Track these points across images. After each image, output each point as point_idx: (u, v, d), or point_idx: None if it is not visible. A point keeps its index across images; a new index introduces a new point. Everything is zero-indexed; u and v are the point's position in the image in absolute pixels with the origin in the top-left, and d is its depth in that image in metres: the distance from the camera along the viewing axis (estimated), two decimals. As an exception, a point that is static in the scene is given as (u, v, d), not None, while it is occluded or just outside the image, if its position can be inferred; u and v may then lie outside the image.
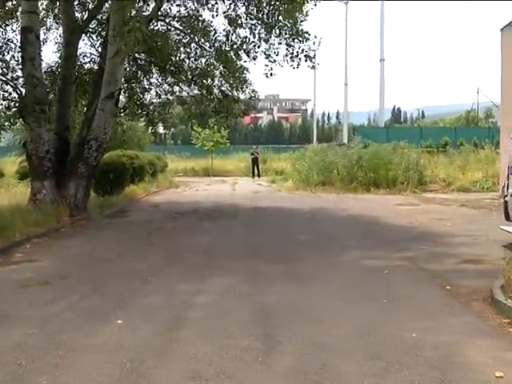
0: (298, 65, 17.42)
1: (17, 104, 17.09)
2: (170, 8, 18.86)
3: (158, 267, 10.31)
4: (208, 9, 17.97)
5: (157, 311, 7.54)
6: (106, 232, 15.21)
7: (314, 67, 17.29)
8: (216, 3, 17.65)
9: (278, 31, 17.01)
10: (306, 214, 18.87)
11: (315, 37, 16.86)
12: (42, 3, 19.00)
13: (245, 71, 19.62)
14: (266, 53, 17.69)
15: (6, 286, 9.02)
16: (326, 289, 8.67)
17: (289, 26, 16.75)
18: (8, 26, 18.84)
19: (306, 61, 17.04)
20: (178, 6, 18.27)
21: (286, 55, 17.13)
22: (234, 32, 17.99)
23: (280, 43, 17.13)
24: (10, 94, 17.46)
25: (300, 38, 16.82)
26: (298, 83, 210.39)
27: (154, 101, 22.95)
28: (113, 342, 6.28)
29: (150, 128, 26.55)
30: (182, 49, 20.13)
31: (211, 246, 12.61)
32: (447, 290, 8.43)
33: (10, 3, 19.13)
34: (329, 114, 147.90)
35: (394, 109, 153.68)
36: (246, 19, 17.53)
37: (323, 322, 6.92)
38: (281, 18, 16.58)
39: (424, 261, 10.53)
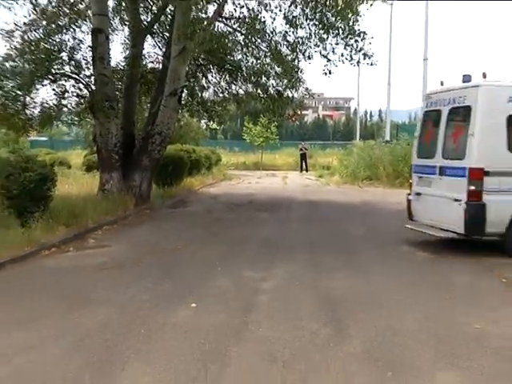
0: (358, 62, 17.31)
1: (88, 100, 17.32)
2: (232, 9, 18.84)
3: (223, 255, 10.38)
4: (269, 10, 17.93)
5: (227, 296, 7.60)
6: (170, 221, 15.35)
7: (372, 64, 17.10)
8: (276, 7, 17.61)
9: (334, 31, 16.88)
10: (355, 207, 18.72)
11: (371, 37, 16.68)
12: (111, 6, 19.17)
13: (299, 71, 19.55)
14: (322, 52, 17.59)
15: (84, 270, 9.22)
16: (385, 279, 8.61)
17: (344, 26, 16.60)
18: (79, 27, 19.07)
19: (365, 58, 16.88)
20: (241, 7, 18.20)
21: (342, 55, 16.99)
22: (292, 33, 17.93)
23: (337, 43, 17.01)
24: (82, 90, 17.72)
25: (357, 38, 16.67)
26: (342, 82, 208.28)
27: (212, 98, 23.04)
28: (189, 323, 6.38)
29: (206, 123, 26.69)
30: (239, 49, 20.14)
31: (271, 237, 12.63)
32: None
33: (80, 6, 19.42)
34: (371, 112, 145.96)
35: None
36: (305, 20, 17.42)
37: (386, 310, 6.88)
38: (336, 18, 16.42)
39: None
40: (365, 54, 16.91)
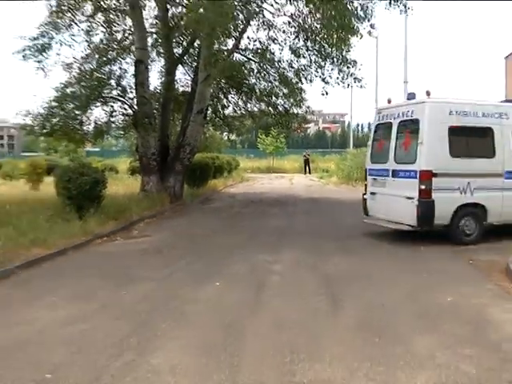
0: (349, 85, 17.23)
1: (131, 118, 17.38)
2: (247, 43, 18.89)
3: (242, 242, 10.34)
4: (277, 43, 17.94)
5: (245, 275, 7.57)
6: (199, 215, 15.35)
7: (361, 87, 17.05)
8: (283, 40, 17.63)
9: (330, 60, 16.82)
10: (348, 202, 18.59)
11: (361, 64, 16.60)
12: (149, 42, 19.21)
13: (302, 92, 19.49)
14: (321, 77, 17.47)
15: (129, 255, 9.23)
16: (375, 261, 8.56)
17: (338, 55, 16.53)
18: (124, 59, 19.16)
19: (355, 82, 16.78)
20: (254, 41, 18.24)
21: (337, 78, 16.91)
22: (296, 61, 17.89)
23: (333, 69, 16.93)
24: (126, 110, 17.78)
25: (349, 65, 16.57)
26: (338, 100, 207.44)
27: (232, 114, 23.01)
28: (214, 299, 6.35)
29: (227, 135, 26.68)
30: (254, 74, 20.11)
31: (280, 227, 12.58)
32: None
33: (125, 42, 19.50)
34: (362, 125, 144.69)
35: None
36: (307, 51, 17.39)
37: (376, 287, 6.82)
38: (331, 49, 16.37)
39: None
40: (355, 78, 16.79)
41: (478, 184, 9.72)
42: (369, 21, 15.69)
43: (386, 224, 10.51)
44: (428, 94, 9.84)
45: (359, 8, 15.36)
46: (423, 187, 9.44)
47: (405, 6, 15.18)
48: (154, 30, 19.64)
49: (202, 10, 13.71)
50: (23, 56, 17.34)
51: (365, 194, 11.36)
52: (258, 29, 17.66)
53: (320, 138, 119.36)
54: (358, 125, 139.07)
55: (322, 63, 17.14)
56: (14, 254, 8.26)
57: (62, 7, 17.71)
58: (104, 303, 6.15)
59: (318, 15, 15.44)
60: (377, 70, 38.34)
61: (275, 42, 17.89)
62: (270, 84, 20.23)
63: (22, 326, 5.35)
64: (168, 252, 9.39)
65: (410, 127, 10.05)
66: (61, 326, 5.32)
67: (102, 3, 18.49)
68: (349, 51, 16.51)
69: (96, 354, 4.55)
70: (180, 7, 18.17)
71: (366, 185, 11.43)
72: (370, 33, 17.62)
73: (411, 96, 10.44)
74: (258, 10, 16.07)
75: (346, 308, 5.88)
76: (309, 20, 16.44)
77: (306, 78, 17.92)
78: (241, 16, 15.43)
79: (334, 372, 4.11)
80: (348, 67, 16.56)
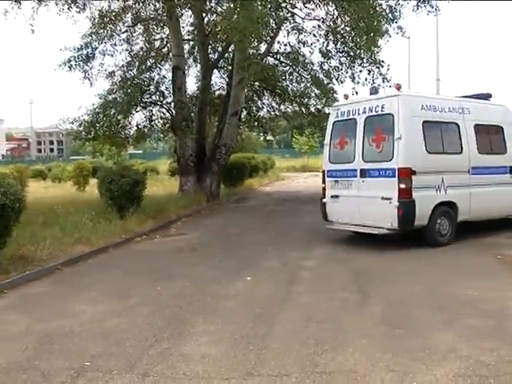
0: (379, 85, 17.04)
1: (170, 121, 17.68)
2: (278, 47, 18.99)
3: (274, 239, 10.40)
4: (307, 46, 18.01)
5: (276, 271, 7.63)
6: (234, 213, 15.48)
7: (390, 87, 16.83)
8: (313, 43, 17.65)
9: (360, 61, 16.73)
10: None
11: (388, 65, 16.45)
12: (186, 49, 19.51)
13: (334, 92, 19.41)
14: (351, 77, 17.42)
15: (166, 252, 9.42)
16: (399, 256, 8.47)
17: (367, 57, 16.42)
18: (163, 66, 19.54)
19: (384, 82, 16.64)
20: (285, 45, 18.37)
21: (366, 79, 16.80)
22: (327, 62, 17.84)
23: (361, 70, 16.83)
24: (165, 114, 18.10)
25: (378, 66, 16.44)
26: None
27: (266, 116, 23.10)
28: (245, 294, 6.43)
29: (263, 136, 26.77)
30: (286, 77, 20.16)
31: (313, 223, 12.54)
32: None
33: (163, 50, 19.87)
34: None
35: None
36: (336, 53, 17.36)
37: (401, 282, 6.77)
38: (360, 51, 16.27)
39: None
40: (384, 78, 16.64)
41: (450, 181, 9.10)
42: (397, 22, 15.54)
43: (355, 228, 9.57)
44: (398, 87, 9.14)
45: (387, 10, 15.23)
46: (403, 186, 8.55)
47: (432, 7, 14.97)
48: (190, 37, 19.95)
49: (235, 16, 13.85)
50: (69, 67, 17.90)
51: (323, 197, 10.17)
52: (288, 33, 17.76)
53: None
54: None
55: (352, 64, 17.07)
56: (59, 252, 8.56)
57: (105, 19, 18.18)
58: (141, 298, 6.31)
59: (347, 18, 15.35)
60: (409, 69, 37.83)
61: (305, 45, 17.98)
62: (302, 86, 20.28)
63: (64, 319, 5.56)
64: (203, 249, 9.53)
65: (382, 123, 9.09)
66: (100, 320, 5.50)
67: (141, 14, 18.90)
68: (378, 52, 16.38)
69: (131, 345, 4.70)
70: (215, 15, 18.35)
71: (323, 188, 10.23)
72: (402, 33, 17.42)
73: (374, 90, 9.88)
74: (288, 15, 16.11)
75: (372, 302, 5.86)
76: (338, 22, 16.37)
77: (336, 79, 17.89)
78: (272, 22, 15.48)
79: (356, 363, 4.13)
80: (378, 67, 16.44)
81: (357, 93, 17.37)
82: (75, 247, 9.13)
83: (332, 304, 5.83)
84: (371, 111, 9.24)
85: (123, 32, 19.03)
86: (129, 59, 19.65)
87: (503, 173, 10.05)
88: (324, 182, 10.20)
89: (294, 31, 17.58)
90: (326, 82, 18.80)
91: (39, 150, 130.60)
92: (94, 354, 4.52)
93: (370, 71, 16.59)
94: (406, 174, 8.54)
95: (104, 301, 6.23)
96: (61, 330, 5.16)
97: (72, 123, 17.07)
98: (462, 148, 9.45)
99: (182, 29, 18.29)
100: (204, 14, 18.38)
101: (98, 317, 5.60)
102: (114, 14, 18.22)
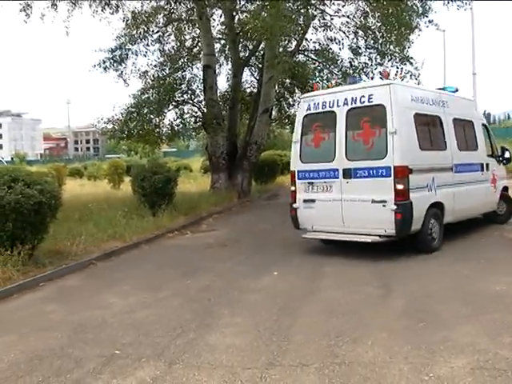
0: (408, 82, 16.86)
1: (201, 120, 17.93)
2: (307, 44, 19.01)
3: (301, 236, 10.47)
4: (335, 43, 18.01)
5: (303, 267, 7.74)
6: (265, 210, 15.59)
7: (419, 83, 16.61)
8: (342, 39, 17.64)
9: (389, 57, 16.63)
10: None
11: (422, 62, 16.30)
12: (217, 47, 19.73)
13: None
14: (381, 74, 17.28)
15: (196, 248, 9.65)
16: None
17: (397, 52, 16.30)
18: (194, 65, 19.79)
19: (411, 78, 16.45)
20: (314, 42, 18.42)
21: (396, 74, 16.63)
22: (356, 59, 17.78)
23: (392, 66, 16.70)
24: (196, 112, 18.36)
25: (408, 61, 16.31)
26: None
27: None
28: (272, 288, 6.58)
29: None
30: (316, 73, 20.11)
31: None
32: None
33: (194, 49, 20.15)
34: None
35: (484, 113, 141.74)
36: (365, 49, 17.30)
37: (427, 276, 6.77)
38: (391, 46, 16.17)
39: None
40: (412, 75, 16.49)
41: (438, 180, 8.26)
42: (427, 16, 15.36)
43: (337, 237, 8.37)
44: (386, 75, 8.29)
45: (418, 4, 15.09)
46: (401, 187, 7.56)
47: (462, 1, 14.79)
48: (220, 36, 20.16)
49: (264, 14, 13.98)
50: (104, 68, 18.37)
51: (293, 202, 8.86)
52: (316, 30, 17.78)
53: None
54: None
55: (381, 61, 16.98)
56: (93, 247, 8.90)
57: (137, 20, 18.57)
58: (171, 292, 6.54)
59: (376, 13, 15.28)
60: (445, 63, 37.43)
61: (334, 41, 17.96)
62: (333, 83, 20.19)
63: (97, 310, 5.84)
64: (232, 245, 9.72)
65: (370, 115, 8.00)
66: (131, 311, 5.76)
67: (172, 14, 19.22)
68: (409, 47, 16.26)
69: (160, 335, 4.92)
70: (245, 14, 18.50)
71: (293, 191, 8.89)
72: (436, 27, 17.20)
73: (353, 80, 8.93)
74: (316, 13, 16.13)
75: (395, 296, 5.92)
76: (368, 18, 16.30)
77: (366, 75, 17.77)
78: (301, 19, 15.51)
79: (375, 355, 4.23)
80: (410, 63, 16.30)
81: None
82: (109, 243, 9.47)
83: (355, 298, 5.91)
84: (355, 102, 8.09)
85: (155, 32, 19.38)
86: (161, 59, 20.00)
87: (477, 170, 9.61)
88: (294, 184, 8.87)
89: (323, 28, 17.60)
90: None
91: (76, 149, 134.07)
92: (124, 342, 4.76)
93: (397, 67, 16.49)
94: (403, 174, 7.59)
95: (135, 293, 6.49)
96: (94, 321, 5.44)
97: (106, 123, 17.50)
98: (445, 144, 8.74)
99: (212, 28, 18.53)
100: (234, 13, 18.55)
101: (129, 308, 5.86)
102: (146, 14, 18.59)
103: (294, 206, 8.80)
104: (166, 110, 18.12)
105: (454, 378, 3.76)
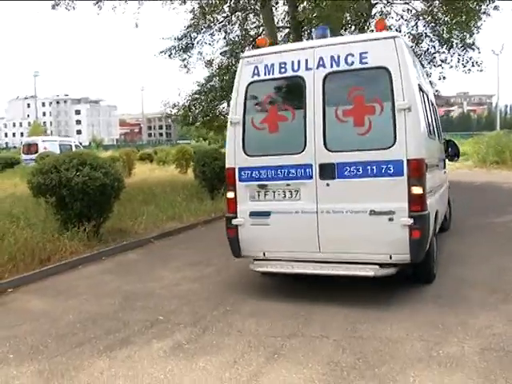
0: (469, 70, 16.49)
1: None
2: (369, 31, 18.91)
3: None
4: (396, 30, 17.82)
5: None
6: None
7: (481, 71, 16.25)
8: (400, 26, 17.49)
9: (449, 44, 16.31)
10: (477, 185, 17.85)
11: (478, 48, 15.86)
12: (281, 36, 19.99)
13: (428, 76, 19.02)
14: (446, 61, 17.00)
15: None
16: (476, 238, 8.42)
17: (462, 39, 15.96)
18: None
19: (473, 65, 16.05)
20: (371, 31, 18.33)
21: (458, 61, 16.32)
22: (417, 46, 17.54)
23: (454, 53, 16.38)
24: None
25: (469, 49, 15.95)
26: (485, 81, 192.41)
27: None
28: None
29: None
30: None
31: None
32: None
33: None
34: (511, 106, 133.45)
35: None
36: (425, 37, 17.06)
37: (471, 264, 6.79)
38: (453, 33, 15.84)
39: None
40: (474, 62, 16.05)
41: (432, 180, 5.90)
42: (493, 2, 14.91)
43: (310, 270, 5.53)
44: (382, 26, 5.51)
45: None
46: (419, 191, 5.08)
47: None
48: (284, 25, 20.40)
49: (324, 3, 14.13)
50: (169, 55, 19.18)
51: (233, 216, 5.78)
52: (374, 16, 17.68)
53: (464, 121, 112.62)
54: (506, 106, 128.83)
55: (442, 49, 16.71)
56: (152, 227, 9.62)
57: (205, 10, 19.19)
58: (216, 268, 7.06)
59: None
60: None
61: (392, 29, 17.78)
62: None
63: (148, 282, 6.47)
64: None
65: (365, 84, 5.40)
66: (177, 284, 6.35)
67: (237, 5, 19.70)
68: (474, 34, 15.87)
69: (199, 305, 5.44)
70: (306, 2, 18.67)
71: (231, 199, 5.83)
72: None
73: (321, 31, 5.90)
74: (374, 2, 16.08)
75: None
76: (429, 5, 16.05)
77: (428, 63, 17.54)
78: (363, 5, 15.52)
79: (393, 332, 4.51)
80: (473, 49, 15.93)
81: (444, 77, 17.06)
82: (168, 223, 10.16)
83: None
84: (337, 63, 5.37)
85: (220, 22, 19.93)
86: (225, 48, 20.55)
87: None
88: (233, 189, 5.82)
89: (384, 15, 17.47)
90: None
91: (149, 135, 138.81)
92: (168, 310, 5.33)
93: (459, 55, 16.13)
94: (421, 171, 5.13)
95: (184, 269, 7.07)
96: (144, 291, 6.06)
97: (172, 108, 18.32)
98: (436, 132, 7.18)
99: (276, 17, 18.80)
100: (297, 2, 18.73)
101: (176, 282, 6.45)
102: (213, 5, 19.17)
103: (234, 222, 5.76)
104: (229, 98, 18.69)
105: (462, 356, 3.99)
